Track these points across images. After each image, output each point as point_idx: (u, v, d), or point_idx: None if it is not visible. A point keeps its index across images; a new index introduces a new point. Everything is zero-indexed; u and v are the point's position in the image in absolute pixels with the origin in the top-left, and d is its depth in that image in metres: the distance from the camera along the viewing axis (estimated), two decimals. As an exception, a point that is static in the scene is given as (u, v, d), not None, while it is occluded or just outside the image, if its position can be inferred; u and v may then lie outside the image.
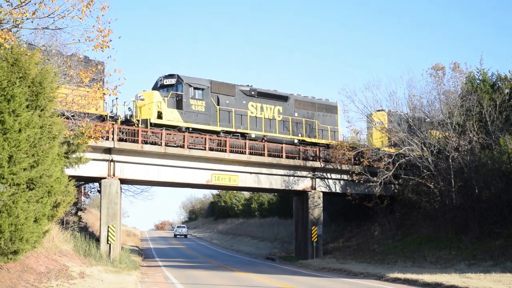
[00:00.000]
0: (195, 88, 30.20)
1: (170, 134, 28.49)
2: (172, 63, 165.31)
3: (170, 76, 30.50)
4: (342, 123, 39.54)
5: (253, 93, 32.90)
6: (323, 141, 34.86)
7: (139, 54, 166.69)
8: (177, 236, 67.79)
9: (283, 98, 34.30)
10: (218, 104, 31.01)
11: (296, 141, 33.79)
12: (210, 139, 30.08)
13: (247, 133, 31.85)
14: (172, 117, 29.20)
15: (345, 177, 34.86)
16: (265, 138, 32.44)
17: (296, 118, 34.42)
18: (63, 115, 19.80)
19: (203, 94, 30.39)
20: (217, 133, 30.63)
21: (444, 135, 32.66)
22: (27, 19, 14.06)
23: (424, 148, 31.96)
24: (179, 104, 29.58)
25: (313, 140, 34.56)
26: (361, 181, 32.94)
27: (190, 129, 29.67)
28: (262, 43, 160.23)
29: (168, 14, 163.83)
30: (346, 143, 34.18)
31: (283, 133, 33.59)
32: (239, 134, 31.59)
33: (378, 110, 35.57)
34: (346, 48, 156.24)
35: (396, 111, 36.00)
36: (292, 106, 34.57)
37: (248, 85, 33.22)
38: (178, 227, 72.14)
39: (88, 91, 20.21)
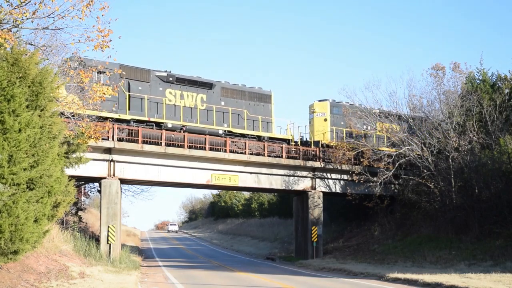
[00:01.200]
0: (99, 72, 27.03)
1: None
2: (172, 63, 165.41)
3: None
4: (280, 113, 38.51)
5: (171, 79, 30.29)
6: (253, 132, 32.54)
7: (137, 52, 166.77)
8: (169, 231, 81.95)
9: (207, 85, 31.68)
10: (129, 91, 28.60)
11: (221, 131, 31.19)
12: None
13: (162, 123, 29.24)
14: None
15: (345, 177, 34.88)
16: (184, 129, 29.84)
17: (222, 107, 31.83)
18: (63, 114, 19.78)
19: (110, 79, 27.07)
20: (126, 121, 28.09)
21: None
22: (27, 19, 14.07)
23: (424, 148, 31.96)
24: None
25: (240, 131, 32.05)
26: (361, 181, 32.95)
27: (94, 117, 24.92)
28: (261, 42, 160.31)
29: (167, 12, 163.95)
30: (346, 143, 34.18)
31: (206, 123, 30.88)
32: (154, 124, 29.06)
33: (320, 100, 35.37)
34: (346, 48, 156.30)
35: (340, 102, 35.85)
36: (218, 94, 31.98)
37: (166, 71, 30.58)
38: (170, 224, 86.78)
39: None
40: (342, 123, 35.37)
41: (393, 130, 33.35)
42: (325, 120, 34.91)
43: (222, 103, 32.04)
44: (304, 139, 35.23)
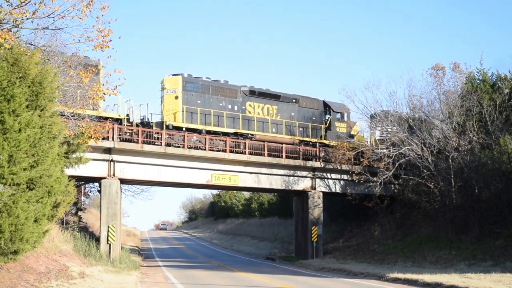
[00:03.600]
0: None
1: None
2: (177, 62, 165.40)
3: None
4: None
5: None
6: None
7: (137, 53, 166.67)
8: (161, 229, 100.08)
9: None
10: None
11: None
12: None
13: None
14: None
15: (345, 177, 34.88)
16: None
17: None
18: (63, 115, 19.78)
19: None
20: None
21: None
22: (27, 19, 14.06)
23: (424, 148, 31.96)
24: None
25: None
26: (361, 181, 32.95)
27: None
28: (261, 41, 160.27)
29: (167, 11, 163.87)
30: (346, 143, 34.17)
31: None
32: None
33: (174, 74, 30.85)
34: (346, 48, 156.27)
35: (200, 77, 31.49)
36: None
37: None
38: (162, 224, 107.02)
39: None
40: (200, 101, 30.82)
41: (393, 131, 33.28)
42: (176, 97, 30.16)
43: None
44: (147, 120, 29.69)
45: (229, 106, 32.01)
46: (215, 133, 30.83)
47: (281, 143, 32.87)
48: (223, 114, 31.38)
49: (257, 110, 33.13)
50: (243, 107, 32.59)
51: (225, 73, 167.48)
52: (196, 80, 31.35)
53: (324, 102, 36.34)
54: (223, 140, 30.62)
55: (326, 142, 35.07)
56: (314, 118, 35.58)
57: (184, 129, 29.72)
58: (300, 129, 34.59)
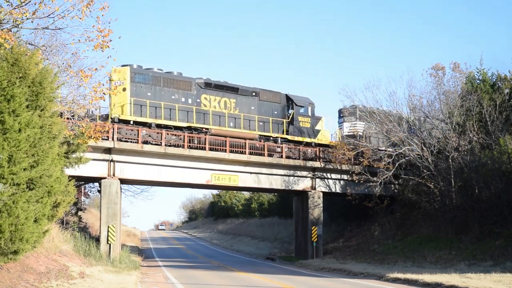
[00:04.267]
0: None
1: None
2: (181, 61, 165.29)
3: None
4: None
5: None
6: None
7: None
8: (160, 229, 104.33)
9: None
10: None
11: None
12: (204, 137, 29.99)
13: None
14: None
15: (345, 177, 34.87)
16: None
17: None
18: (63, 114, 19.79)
19: None
20: None
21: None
22: (27, 19, 14.07)
23: (424, 148, 31.96)
24: None
25: None
26: (361, 181, 32.95)
27: None
28: (261, 41, 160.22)
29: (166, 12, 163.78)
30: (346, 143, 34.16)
31: None
32: None
33: (123, 65, 29.36)
34: (346, 47, 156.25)
35: (151, 68, 30.19)
36: None
37: None
38: (160, 225, 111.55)
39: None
40: (150, 94, 29.52)
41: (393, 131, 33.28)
42: (124, 89, 28.75)
43: None
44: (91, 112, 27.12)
45: (183, 99, 30.63)
46: (166, 127, 29.46)
47: (240, 138, 31.59)
48: (175, 107, 29.96)
49: (213, 103, 31.79)
50: (198, 100, 31.13)
51: (221, 72, 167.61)
52: (146, 72, 29.90)
53: (287, 95, 35.08)
54: (222, 140, 30.55)
55: (289, 137, 33.96)
56: (276, 112, 34.23)
57: (132, 122, 28.37)
58: (260, 123, 33.18)
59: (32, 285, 13.95)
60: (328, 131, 36.66)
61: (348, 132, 35.87)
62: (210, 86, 31.92)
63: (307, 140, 34.42)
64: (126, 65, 29.41)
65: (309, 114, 35.43)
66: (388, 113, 34.06)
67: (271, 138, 33.45)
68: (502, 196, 27.16)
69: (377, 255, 31.26)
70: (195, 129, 30.56)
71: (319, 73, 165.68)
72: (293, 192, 35.90)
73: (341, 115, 37.17)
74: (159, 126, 29.14)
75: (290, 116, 34.58)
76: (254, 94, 33.67)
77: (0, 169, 12.06)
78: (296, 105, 34.89)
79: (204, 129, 30.78)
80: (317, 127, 35.69)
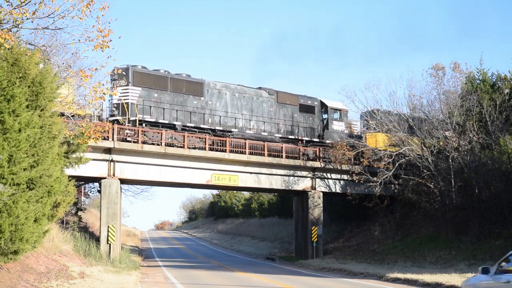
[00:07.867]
0: None
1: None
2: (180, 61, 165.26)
3: None
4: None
5: None
6: None
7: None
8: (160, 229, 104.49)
9: None
10: None
11: None
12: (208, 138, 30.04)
13: None
14: None
15: (345, 177, 34.88)
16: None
17: None
18: (63, 115, 19.79)
19: None
20: None
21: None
22: (27, 19, 14.06)
23: (424, 148, 31.96)
24: None
25: None
26: (361, 181, 32.96)
27: None
28: (260, 40, 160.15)
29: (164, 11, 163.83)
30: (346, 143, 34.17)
31: None
32: None
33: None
34: (346, 48, 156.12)
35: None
36: None
37: None
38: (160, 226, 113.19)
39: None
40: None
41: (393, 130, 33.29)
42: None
43: None
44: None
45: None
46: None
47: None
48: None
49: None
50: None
51: (217, 72, 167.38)
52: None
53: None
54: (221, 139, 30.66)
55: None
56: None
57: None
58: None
59: (32, 285, 13.95)
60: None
61: (118, 100, 27.94)
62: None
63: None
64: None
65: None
66: (388, 113, 34.03)
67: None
68: (502, 196, 27.17)
69: (377, 255, 31.28)
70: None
71: (319, 72, 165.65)
72: (293, 192, 35.91)
73: (112, 78, 27.50)
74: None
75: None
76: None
77: (0, 169, 12.06)
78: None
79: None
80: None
